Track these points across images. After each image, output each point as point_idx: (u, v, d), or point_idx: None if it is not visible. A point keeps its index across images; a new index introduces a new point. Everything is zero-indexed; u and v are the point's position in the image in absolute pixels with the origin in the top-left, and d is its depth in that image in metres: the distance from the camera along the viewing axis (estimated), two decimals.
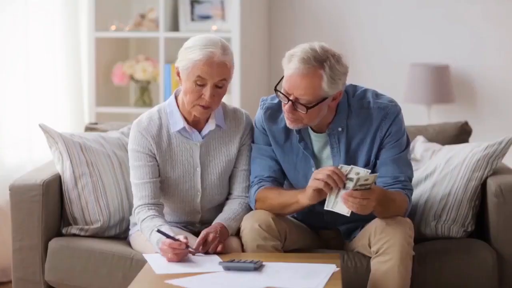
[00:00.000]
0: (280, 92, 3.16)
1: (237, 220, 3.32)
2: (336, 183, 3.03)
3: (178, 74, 3.27)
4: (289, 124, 3.21)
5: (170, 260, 3.07)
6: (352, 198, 2.99)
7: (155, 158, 3.35)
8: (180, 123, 3.34)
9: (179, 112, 3.34)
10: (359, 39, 5.66)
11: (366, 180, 2.98)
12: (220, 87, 3.23)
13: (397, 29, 5.66)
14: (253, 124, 3.43)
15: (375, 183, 3.10)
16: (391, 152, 3.25)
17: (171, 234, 3.11)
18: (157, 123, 3.36)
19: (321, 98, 3.13)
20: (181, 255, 3.06)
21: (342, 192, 3.03)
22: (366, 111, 3.26)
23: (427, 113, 5.52)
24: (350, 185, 3.02)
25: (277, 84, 3.19)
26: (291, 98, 3.13)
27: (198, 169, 3.38)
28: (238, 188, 3.42)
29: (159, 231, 3.13)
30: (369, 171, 3.03)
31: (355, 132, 3.26)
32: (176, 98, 3.36)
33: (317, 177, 3.06)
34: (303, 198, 3.14)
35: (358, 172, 3.02)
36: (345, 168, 3.05)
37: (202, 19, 5.52)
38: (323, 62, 3.10)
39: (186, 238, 3.10)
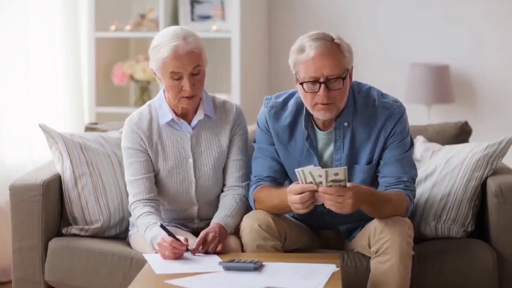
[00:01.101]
0: (306, 84, 3.15)
1: (233, 216, 3.32)
2: (311, 199, 3.01)
3: (155, 74, 3.31)
4: (323, 115, 3.19)
5: (165, 258, 3.08)
6: (327, 195, 2.98)
7: (147, 153, 3.38)
8: (169, 115, 3.36)
9: (167, 105, 3.36)
10: (359, 39, 5.66)
11: (336, 174, 2.97)
12: (196, 74, 3.26)
13: (397, 29, 5.66)
14: (255, 124, 3.43)
15: (380, 181, 3.08)
16: (395, 152, 3.25)
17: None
18: (147, 117, 3.39)
19: (346, 70, 3.17)
20: (178, 255, 3.08)
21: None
22: (371, 109, 3.26)
23: (427, 113, 5.52)
24: (324, 183, 3.00)
25: (297, 82, 3.19)
26: (321, 80, 3.13)
27: (190, 160, 3.39)
28: (231, 178, 3.43)
29: (162, 226, 3.14)
30: (319, 167, 3.00)
31: (359, 129, 3.26)
32: (164, 92, 3.39)
33: (296, 207, 3.04)
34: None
35: (320, 174, 2.98)
36: (300, 174, 3.01)
37: (202, 19, 5.52)
38: (331, 36, 3.18)
39: (186, 240, 3.11)
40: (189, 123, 3.40)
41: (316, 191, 3.00)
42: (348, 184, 3.00)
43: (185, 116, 3.40)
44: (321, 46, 3.13)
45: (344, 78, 3.15)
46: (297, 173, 3.02)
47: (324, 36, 3.17)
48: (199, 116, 3.38)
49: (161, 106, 3.39)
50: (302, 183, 3.03)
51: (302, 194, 3.01)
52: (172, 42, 3.23)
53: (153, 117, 3.40)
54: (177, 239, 3.09)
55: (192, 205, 3.45)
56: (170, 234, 3.11)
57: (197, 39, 3.28)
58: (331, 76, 3.13)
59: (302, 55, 3.15)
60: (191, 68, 3.24)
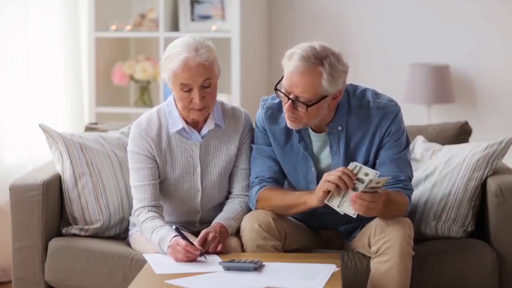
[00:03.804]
0: (280, 91, 3.16)
1: (236, 219, 3.32)
2: (346, 185, 3.03)
3: (167, 83, 3.29)
4: (289, 124, 3.21)
5: (177, 261, 3.07)
6: (360, 200, 2.99)
7: (155, 160, 3.35)
8: (179, 124, 3.34)
9: (177, 112, 3.34)
10: (359, 39, 5.67)
11: (378, 183, 2.98)
12: (207, 87, 3.23)
13: (397, 29, 5.67)
14: (253, 124, 3.43)
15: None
16: (391, 151, 3.25)
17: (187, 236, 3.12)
18: (156, 124, 3.36)
19: (321, 96, 3.13)
20: (190, 259, 3.06)
21: (350, 192, 3.03)
22: (366, 110, 3.26)
23: (427, 113, 5.52)
24: (359, 186, 3.02)
25: (277, 84, 3.19)
26: (291, 96, 3.13)
27: (198, 169, 3.38)
28: (238, 187, 3.42)
29: (177, 229, 3.13)
30: (378, 172, 3.02)
31: (354, 131, 3.26)
32: (175, 98, 3.35)
33: (328, 179, 3.06)
34: (312, 199, 3.13)
35: (367, 173, 3.02)
36: (353, 166, 3.05)
37: (202, 19, 5.52)
38: (322, 59, 3.10)
39: (201, 245, 3.10)
40: (199, 131, 3.37)
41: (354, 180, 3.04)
42: (380, 190, 3.02)
43: (195, 124, 3.36)
44: (304, 68, 3.09)
45: (309, 106, 3.11)
46: (352, 164, 3.04)
47: (314, 56, 3.09)
48: (209, 126, 3.35)
49: (171, 112, 3.35)
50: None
51: (345, 174, 3.02)
52: (182, 54, 3.20)
53: (162, 124, 3.36)
54: (191, 243, 3.09)
55: (196, 212, 3.44)
56: (184, 237, 3.10)
57: (210, 51, 3.23)
58: (301, 98, 3.11)
59: (287, 64, 3.14)
60: (201, 81, 3.21)
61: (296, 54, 3.11)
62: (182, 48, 3.22)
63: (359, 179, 3.03)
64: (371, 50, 5.68)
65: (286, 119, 3.20)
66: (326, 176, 3.08)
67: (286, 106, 3.15)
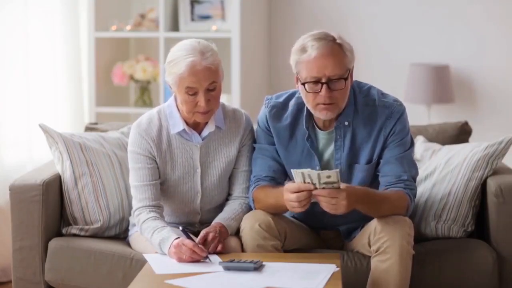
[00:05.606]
0: (308, 84, 3.15)
1: (236, 220, 3.32)
2: (308, 199, 3.02)
3: (170, 87, 3.28)
4: (325, 115, 3.19)
5: (180, 261, 3.06)
6: (320, 197, 2.99)
7: (155, 160, 3.35)
8: (180, 125, 3.33)
9: (178, 114, 3.33)
10: (359, 39, 5.66)
11: (329, 177, 2.97)
12: (212, 90, 3.22)
13: (397, 29, 5.67)
14: (256, 124, 3.42)
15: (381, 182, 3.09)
16: (395, 151, 3.25)
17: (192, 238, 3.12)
18: (156, 125, 3.36)
19: (349, 70, 3.17)
20: (195, 260, 3.06)
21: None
22: (372, 108, 3.27)
23: (427, 113, 5.52)
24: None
25: (297, 81, 3.19)
26: (323, 80, 3.13)
27: (198, 171, 3.38)
28: (238, 189, 3.42)
29: (183, 230, 3.13)
30: (319, 171, 2.98)
31: (359, 129, 3.26)
32: (176, 99, 3.35)
33: (293, 207, 3.04)
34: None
35: (318, 173, 3.00)
36: (297, 174, 3.00)
37: (202, 19, 5.52)
38: (333, 36, 3.18)
39: (205, 248, 3.11)
40: (199, 133, 3.37)
41: (313, 190, 3.01)
42: (342, 186, 3.00)
43: (196, 126, 3.36)
44: (323, 46, 3.13)
45: (346, 79, 3.15)
46: (293, 173, 3.02)
47: (326, 36, 3.17)
48: (210, 128, 3.34)
49: (171, 114, 3.34)
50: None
51: (299, 193, 3.01)
52: (188, 58, 3.18)
53: (162, 125, 3.35)
54: (198, 245, 3.08)
55: (196, 214, 3.44)
56: (190, 238, 3.10)
57: (215, 54, 3.23)
58: (333, 76, 3.13)
59: (304, 55, 3.15)
60: (207, 84, 3.20)
61: (310, 42, 3.15)
62: (188, 51, 3.20)
63: (312, 182, 3.00)
64: (371, 50, 5.68)
65: (321, 111, 3.18)
66: (286, 201, 3.04)
67: (322, 92, 3.13)
